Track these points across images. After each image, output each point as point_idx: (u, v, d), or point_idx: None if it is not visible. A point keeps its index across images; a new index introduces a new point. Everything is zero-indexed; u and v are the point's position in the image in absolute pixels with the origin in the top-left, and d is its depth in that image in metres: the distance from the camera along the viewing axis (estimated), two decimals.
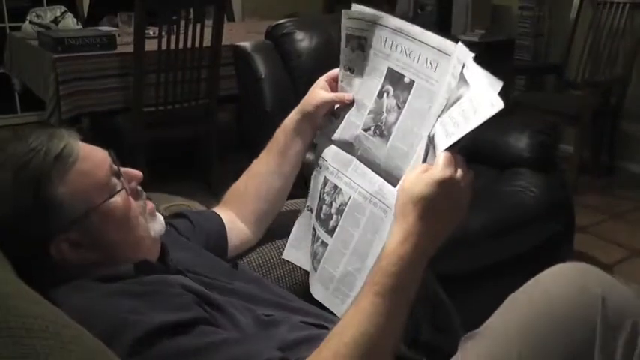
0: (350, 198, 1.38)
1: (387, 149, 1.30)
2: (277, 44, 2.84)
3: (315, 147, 1.54)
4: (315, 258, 1.46)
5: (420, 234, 1.06)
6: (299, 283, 1.62)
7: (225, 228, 1.54)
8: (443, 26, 5.14)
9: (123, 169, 1.24)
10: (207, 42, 3.75)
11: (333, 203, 1.42)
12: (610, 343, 1.09)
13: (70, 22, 4.20)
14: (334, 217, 1.41)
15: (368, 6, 1.39)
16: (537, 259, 2.56)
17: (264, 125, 2.75)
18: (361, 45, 1.40)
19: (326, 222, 1.43)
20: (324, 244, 1.43)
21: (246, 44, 2.84)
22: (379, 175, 1.33)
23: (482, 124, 1.01)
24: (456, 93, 1.11)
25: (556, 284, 1.18)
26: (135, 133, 3.72)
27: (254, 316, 1.23)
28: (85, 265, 1.17)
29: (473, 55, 1.11)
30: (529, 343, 1.10)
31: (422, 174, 1.07)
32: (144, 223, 1.23)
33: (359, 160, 1.39)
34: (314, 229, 1.49)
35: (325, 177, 1.47)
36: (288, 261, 1.63)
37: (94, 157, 1.19)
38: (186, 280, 1.19)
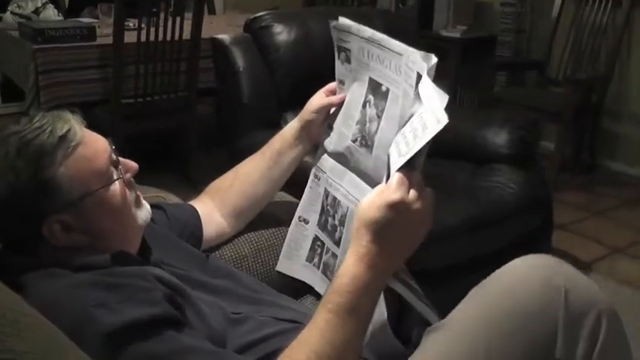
0: (348, 209, 1.40)
1: (373, 159, 1.32)
2: (256, 37, 2.83)
3: (315, 153, 1.57)
4: (329, 269, 1.49)
5: (372, 255, 1.06)
6: (273, 275, 1.62)
7: (200, 220, 1.55)
8: (424, 22, 5.14)
9: (122, 159, 1.25)
10: (187, 34, 3.74)
11: (336, 215, 1.45)
12: (573, 335, 1.09)
13: (51, 13, 4.18)
14: (338, 228, 1.44)
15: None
16: (515, 255, 2.53)
17: (242, 118, 2.74)
18: (348, 57, 1.43)
19: (332, 233, 1.46)
20: (334, 256, 1.46)
21: (224, 37, 2.82)
22: (370, 185, 1.34)
23: (431, 140, 1.01)
24: (410, 110, 1.11)
25: (519, 277, 1.18)
26: (113, 125, 3.68)
27: (224, 314, 1.24)
28: (73, 249, 1.17)
29: (427, 66, 1.10)
30: (495, 337, 1.10)
31: (375, 197, 1.07)
32: (134, 212, 1.24)
33: (352, 171, 1.42)
34: (320, 240, 1.52)
35: (325, 189, 1.50)
36: (261, 254, 1.63)
37: (96, 144, 1.20)
38: (161, 272, 1.19)
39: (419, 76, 1.11)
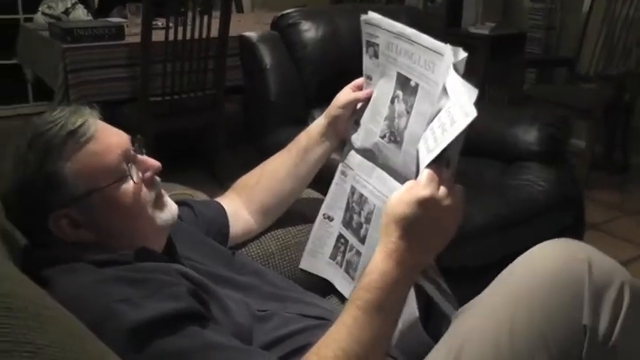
0: (375, 206, 1.39)
1: (402, 155, 1.30)
2: (283, 34, 2.82)
3: (342, 150, 1.57)
4: (352, 267, 1.47)
5: (402, 252, 1.05)
6: (299, 273, 1.61)
7: (227, 217, 1.55)
8: (453, 19, 5.11)
9: (141, 157, 1.23)
10: (214, 33, 3.74)
11: (362, 212, 1.44)
12: (598, 303, 1.08)
13: (81, 13, 4.22)
14: (364, 225, 1.43)
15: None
16: None
17: (269, 115, 2.73)
18: (376, 52, 1.42)
19: (357, 231, 1.45)
20: (359, 253, 1.45)
21: (251, 34, 2.81)
22: (399, 181, 1.32)
23: (463, 135, 1.00)
24: (438, 105, 1.11)
25: (542, 255, 1.17)
26: (141, 123, 3.71)
27: (250, 310, 1.23)
28: (83, 245, 1.16)
29: (454, 60, 1.10)
30: (519, 308, 1.09)
31: (404, 193, 1.06)
32: (150, 214, 1.22)
33: (380, 167, 1.40)
34: (344, 237, 1.51)
35: (352, 186, 1.49)
36: (287, 251, 1.62)
37: (108, 140, 1.18)
38: (185, 268, 1.19)
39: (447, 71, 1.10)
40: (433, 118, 1.10)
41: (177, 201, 1.58)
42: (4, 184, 1.17)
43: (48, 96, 4.09)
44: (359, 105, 1.50)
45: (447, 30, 4.87)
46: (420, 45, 1.24)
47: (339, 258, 1.52)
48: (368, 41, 1.45)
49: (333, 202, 1.55)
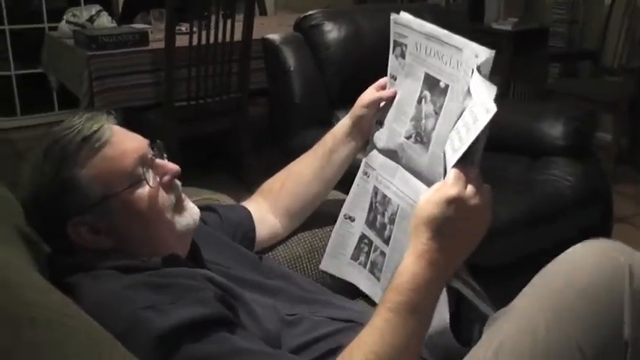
0: (398, 207, 1.39)
1: (428, 156, 1.29)
2: (306, 36, 2.83)
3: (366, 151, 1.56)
4: (376, 267, 1.47)
5: (433, 252, 1.05)
6: (327, 276, 1.61)
7: (253, 222, 1.54)
8: (475, 15, 5.10)
9: (159, 161, 1.23)
10: (238, 36, 3.76)
11: (385, 212, 1.43)
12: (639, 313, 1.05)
13: (105, 20, 4.24)
14: (387, 226, 1.42)
15: None
16: None
17: (294, 117, 2.75)
18: (403, 52, 1.41)
19: (381, 232, 1.44)
20: (383, 254, 1.44)
21: (274, 36, 2.83)
22: (423, 182, 1.32)
23: (486, 132, 1.01)
24: (462, 105, 1.11)
25: (582, 258, 1.14)
26: (167, 128, 3.73)
27: (278, 315, 1.22)
28: (104, 252, 1.17)
29: (479, 61, 1.10)
30: (555, 314, 1.06)
31: (432, 194, 1.06)
32: (169, 218, 1.21)
33: (404, 168, 1.39)
34: (367, 238, 1.50)
35: (375, 186, 1.48)
36: (315, 253, 1.62)
37: (124, 145, 1.18)
38: (211, 273, 1.18)
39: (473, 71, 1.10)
40: (458, 119, 1.11)
41: (203, 206, 1.59)
42: (23, 193, 1.19)
43: (73, 104, 4.12)
44: (382, 104, 1.50)
45: (470, 26, 4.86)
46: (452, 45, 1.23)
47: (362, 258, 1.51)
48: (396, 41, 1.45)
49: (355, 203, 1.55)
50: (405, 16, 1.42)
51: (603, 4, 4.51)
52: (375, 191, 1.48)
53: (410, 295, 1.04)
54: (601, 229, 2.62)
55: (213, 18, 3.67)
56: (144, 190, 1.18)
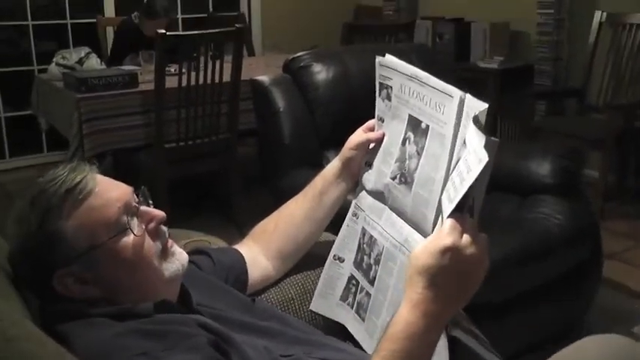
0: (384, 248, 1.39)
1: (412, 197, 1.30)
2: (295, 77, 2.85)
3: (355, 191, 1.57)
4: (362, 308, 1.46)
5: (428, 302, 1.04)
6: (320, 318, 1.60)
7: (245, 264, 1.53)
8: (462, 54, 5.15)
9: (144, 209, 1.22)
10: (227, 77, 3.79)
11: (371, 253, 1.43)
12: None
13: (94, 62, 4.26)
14: (373, 267, 1.42)
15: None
16: (565, 287, 2.52)
17: (283, 158, 2.75)
18: (389, 94, 1.43)
19: (367, 272, 1.44)
20: (368, 295, 1.43)
21: (263, 78, 2.85)
22: (408, 223, 1.33)
23: (483, 181, 1.01)
24: (458, 155, 1.13)
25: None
26: (157, 169, 3.74)
27: (272, 357, 1.22)
28: (93, 301, 1.16)
29: (476, 111, 1.10)
30: None
31: (427, 244, 1.06)
32: (157, 265, 1.20)
33: (390, 208, 1.40)
34: (355, 279, 1.50)
35: (363, 227, 1.49)
36: (307, 295, 1.62)
37: (107, 194, 1.18)
38: (204, 318, 1.18)
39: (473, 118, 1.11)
40: (453, 168, 1.12)
41: (195, 249, 1.59)
42: (10, 245, 1.19)
43: (63, 146, 4.13)
44: (371, 146, 1.51)
45: (456, 65, 4.91)
46: (431, 87, 1.25)
47: (350, 299, 1.51)
48: (381, 83, 1.46)
49: (344, 244, 1.55)
50: (389, 59, 1.43)
51: (587, 42, 4.57)
52: (363, 232, 1.49)
53: (404, 343, 1.03)
54: (591, 266, 2.62)
55: (202, 59, 3.70)
56: (129, 239, 1.17)
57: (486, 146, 0.99)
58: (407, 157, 1.34)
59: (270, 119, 2.77)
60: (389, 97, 1.43)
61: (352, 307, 1.49)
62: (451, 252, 1.02)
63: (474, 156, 1.02)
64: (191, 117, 3.74)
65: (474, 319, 2.25)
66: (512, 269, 2.31)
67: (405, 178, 1.33)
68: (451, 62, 4.98)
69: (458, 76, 3.31)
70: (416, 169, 1.30)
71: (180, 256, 1.26)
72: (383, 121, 1.48)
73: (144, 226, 1.20)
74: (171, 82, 3.63)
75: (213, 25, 4.54)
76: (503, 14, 5.17)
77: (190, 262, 1.42)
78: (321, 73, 2.82)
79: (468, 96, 1.17)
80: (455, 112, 1.18)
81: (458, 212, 1.05)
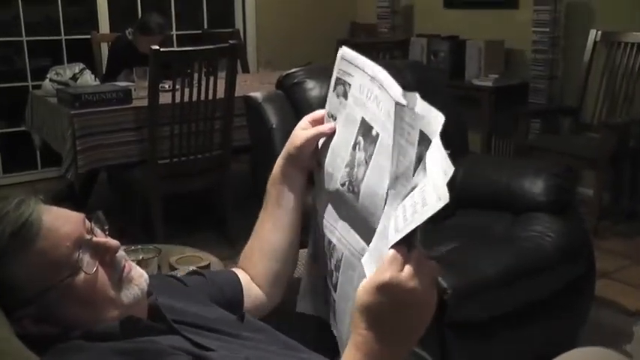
0: (342, 255, 1.30)
1: (359, 209, 1.21)
2: (288, 94, 2.85)
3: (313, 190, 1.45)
4: (332, 311, 1.39)
5: (370, 343, 0.99)
6: (307, 336, 1.58)
7: (241, 285, 1.48)
8: (456, 72, 5.17)
9: (97, 240, 1.17)
10: (220, 93, 3.79)
11: (332, 259, 1.35)
12: None
13: (88, 78, 4.26)
14: (334, 273, 1.34)
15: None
16: (558, 305, 2.51)
17: None
18: (345, 92, 1.30)
19: (330, 278, 1.36)
20: (334, 300, 1.36)
21: (257, 94, 2.84)
22: (357, 233, 1.24)
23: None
24: (415, 180, 1.03)
25: None
26: (150, 185, 3.74)
27: None
28: (68, 324, 1.13)
29: (438, 129, 0.98)
30: None
31: (367, 280, 0.99)
32: (113, 297, 1.16)
33: (343, 215, 1.31)
34: (326, 281, 1.41)
35: (322, 230, 1.39)
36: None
37: (56, 233, 1.13)
38: (179, 341, 1.15)
39: (423, 135, 1.01)
40: (408, 194, 1.03)
41: (192, 271, 1.57)
42: None
43: (56, 162, 4.12)
44: (321, 141, 1.37)
45: (451, 82, 4.92)
46: (387, 91, 1.14)
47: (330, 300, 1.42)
48: (339, 78, 1.32)
49: (314, 243, 1.46)
50: (353, 54, 1.30)
51: (582, 60, 4.58)
52: (323, 236, 1.39)
53: None
54: (584, 284, 2.62)
55: (196, 75, 3.71)
56: (82, 277, 1.13)
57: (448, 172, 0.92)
58: (356, 163, 1.23)
59: (264, 136, 2.77)
60: (345, 95, 1.30)
61: (330, 310, 1.44)
62: (389, 288, 0.96)
63: (432, 190, 0.95)
64: (185, 133, 3.74)
65: (465, 337, 2.25)
66: (505, 286, 2.31)
67: (352, 186, 1.24)
68: (446, 80, 4.98)
69: (452, 94, 3.31)
70: (362, 179, 1.20)
71: (139, 280, 1.21)
72: (334, 119, 1.35)
73: (97, 262, 1.16)
74: (165, 99, 3.63)
75: (207, 41, 4.55)
76: (498, 32, 5.20)
77: (178, 280, 1.42)
78: (314, 89, 2.82)
79: (420, 103, 1.02)
80: (392, 118, 1.08)
81: (400, 243, 0.98)
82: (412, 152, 1.03)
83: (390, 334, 0.98)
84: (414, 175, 1.03)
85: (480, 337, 2.29)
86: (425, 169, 1.00)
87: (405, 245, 0.98)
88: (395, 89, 1.10)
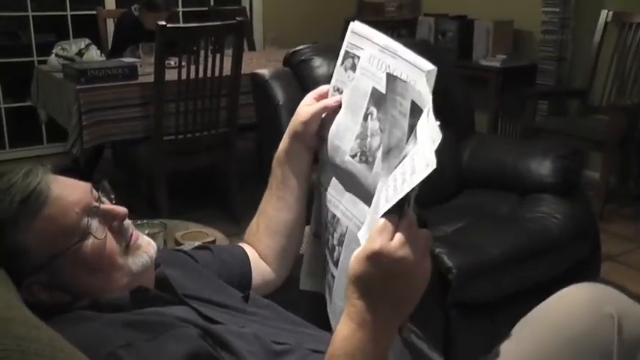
0: (347, 228, 1.28)
1: (372, 177, 1.19)
2: (295, 71, 2.83)
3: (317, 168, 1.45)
4: (330, 290, 1.38)
5: (362, 313, 0.98)
6: (315, 313, 1.57)
7: (249, 259, 1.48)
8: (464, 52, 5.13)
9: (105, 207, 1.18)
10: (227, 71, 3.78)
11: (335, 234, 1.33)
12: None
13: (94, 54, 4.25)
14: (337, 248, 1.32)
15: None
16: (563, 286, 2.50)
17: None
18: (354, 64, 1.30)
19: (332, 253, 1.35)
20: (333, 277, 1.34)
21: (264, 71, 2.83)
22: (368, 205, 1.21)
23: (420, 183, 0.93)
24: (405, 150, 1.03)
25: (567, 306, 1.14)
26: (155, 162, 3.73)
27: (263, 344, 1.18)
28: (77, 291, 1.15)
29: (429, 100, 0.99)
30: None
31: (358, 250, 0.99)
32: (121, 263, 1.18)
33: (351, 188, 1.29)
34: (326, 258, 1.39)
35: (326, 205, 1.37)
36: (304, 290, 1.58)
37: (64, 200, 1.14)
38: (186, 312, 1.16)
39: (415, 105, 1.01)
40: (399, 164, 1.03)
41: (200, 246, 1.56)
42: None
43: (62, 137, 4.13)
44: (323, 115, 1.36)
45: (458, 62, 4.89)
46: (403, 59, 1.13)
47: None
48: (348, 52, 1.32)
49: (317, 220, 1.45)
50: (363, 27, 1.29)
51: (592, 42, 4.54)
52: (327, 210, 1.37)
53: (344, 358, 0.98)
54: (589, 267, 2.61)
55: (202, 53, 3.69)
56: (91, 243, 1.14)
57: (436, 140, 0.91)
58: (369, 134, 1.22)
59: (271, 113, 2.75)
60: (353, 68, 1.30)
61: (325, 288, 1.43)
62: (379, 257, 0.95)
63: (421, 157, 0.94)
64: (190, 110, 3.73)
65: (470, 317, 2.24)
66: (510, 267, 2.31)
67: (366, 156, 1.22)
68: (453, 60, 4.95)
69: (460, 74, 3.28)
70: (378, 147, 1.19)
71: (147, 248, 1.23)
72: (340, 92, 1.34)
73: (106, 227, 1.17)
74: (171, 75, 3.62)
75: (214, 18, 4.53)
76: (507, 12, 5.14)
77: (187, 255, 1.42)
78: (321, 67, 2.80)
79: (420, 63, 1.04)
80: (425, 88, 1.05)
81: (391, 212, 0.97)
82: (404, 123, 1.03)
83: (380, 303, 0.98)
84: (406, 146, 1.03)
85: (485, 317, 2.28)
86: (416, 138, 1.00)
87: (397, 214, 0.97)
88: (417, 58, 1.09)
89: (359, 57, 1.29)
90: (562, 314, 1.12)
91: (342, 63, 1.33)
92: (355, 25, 1.31)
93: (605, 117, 4.23)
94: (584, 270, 2.57)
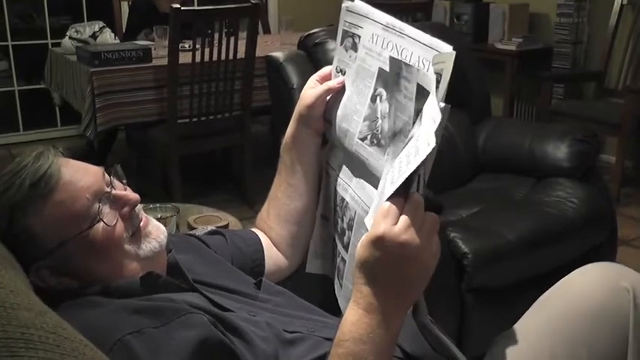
0: (355, 213, 1.27)
1: (385, 160, 1.16)
2: (310, 54, 2.82)
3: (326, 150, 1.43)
4: (339, 274, 1.36)
5: (368, 298, 0.97)
6: (327, 301, 1.56)
7: (262, 245, 1.47)
8: (479, 35, 5.10)
9: (116, 193, 1.17)
10: (241, 54, 3.76)
11: (344, 217, 1.31)
12: None
13: (108, 36, 4.25)
14: (346, 232, 1.30)
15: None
16: None
17: None
18: (355, 44, 1.27)
19: (341, 237, 1.33)
20: (344, 261, 1.33)
21: (278, 54, 2.81)
22: (376, 188, 1.19)
23: (427, 163, 0.92)
24: (410, 133, 1.02)
25: (585, 282, 1.14)
26: (169, 145, 3.73)
27: (274, 332, 1.17)
28: (87, 278, 1.14)
29: (434, 81, 0.97)
30: (560, 340, 1.07)
31: (365, 235, 0.98)
32: (130, 250, 1.17)
33: (359, 171, 1.27)
34: (335, 241, 1.38)
35: (335, 188, 1.36)
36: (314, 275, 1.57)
37: (75, 185, 1.13)
38: (198, 299, 1.15)
39: (421, 88, 0.99)
40: (404, 147, 1.02)
41: (212, 230, 1.55)
42: None
43: (76, 120, 4.13)
44: (328, 97, 1.33)
45: (474, 46, 4.86)
46: (415, 40, 1.10)
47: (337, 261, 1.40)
48: (346, 31, 1.29)
49: (326, 203, 1.43)
50: (359, 4, 1.26)
51: (607, 25, 4.50)
52: (336, 194, 1.35)
53: (350, 347, 0.98)
54: (605, 251, 2.60)
55: (216, 35, 3.68)
56: (101, 229, 1.13)
57: (437, 119, 0.90)
58: (379, 116, 1.19)
59: (285, 96, 2.74)
60: (354, 47, 1.27)
61: (335, 271, 1.42)
62: (383, 241, 0.94)
63: (424, 138, 0.93)
64: (204, 93, 3.72)
65: (485, 302, 2.24)
66: (526, 252, 2.30)
67: (376, 139, 1.19)
68: (468, 43, 4.92)
69: (475, 57, 3.26)
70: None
71: (156, 234, 1.21)
72: (343, 73, 1.31)
73: (117, 213, 1.16)
74: (185, 58, 3.61)
75: (228, 1, 4.50)
76: None
77: (200, 240, 1.41)
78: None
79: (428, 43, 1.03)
80: (450, 70, 1.01)
81: (396, 195, 0.96)
82: (411, 107, 1.02)
83: (387, 288, 0.97)
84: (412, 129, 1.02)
85: (500, 303, 2.27)
86: (421, 120, 0.98)
87: (403, 198, 0.96)
88: (420, 33, 1.07)
89: (359, 36, 1.25)
90: (580, 289, 1.13)
91: (342, 43, 1.30)
92: (349, 4, 1.28)
93: (621, 100, 4.19)
94: (601, 254, 2.55)
